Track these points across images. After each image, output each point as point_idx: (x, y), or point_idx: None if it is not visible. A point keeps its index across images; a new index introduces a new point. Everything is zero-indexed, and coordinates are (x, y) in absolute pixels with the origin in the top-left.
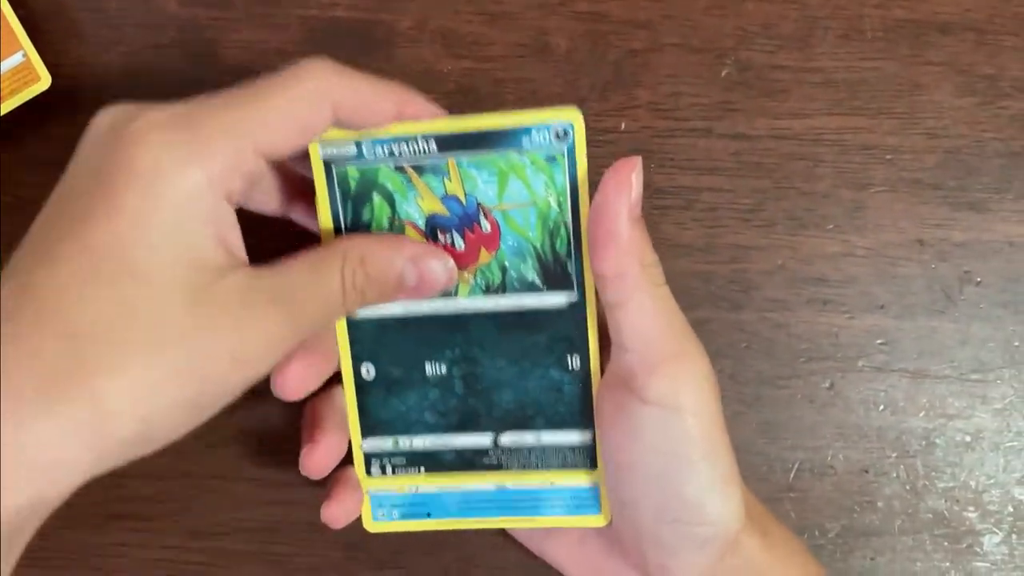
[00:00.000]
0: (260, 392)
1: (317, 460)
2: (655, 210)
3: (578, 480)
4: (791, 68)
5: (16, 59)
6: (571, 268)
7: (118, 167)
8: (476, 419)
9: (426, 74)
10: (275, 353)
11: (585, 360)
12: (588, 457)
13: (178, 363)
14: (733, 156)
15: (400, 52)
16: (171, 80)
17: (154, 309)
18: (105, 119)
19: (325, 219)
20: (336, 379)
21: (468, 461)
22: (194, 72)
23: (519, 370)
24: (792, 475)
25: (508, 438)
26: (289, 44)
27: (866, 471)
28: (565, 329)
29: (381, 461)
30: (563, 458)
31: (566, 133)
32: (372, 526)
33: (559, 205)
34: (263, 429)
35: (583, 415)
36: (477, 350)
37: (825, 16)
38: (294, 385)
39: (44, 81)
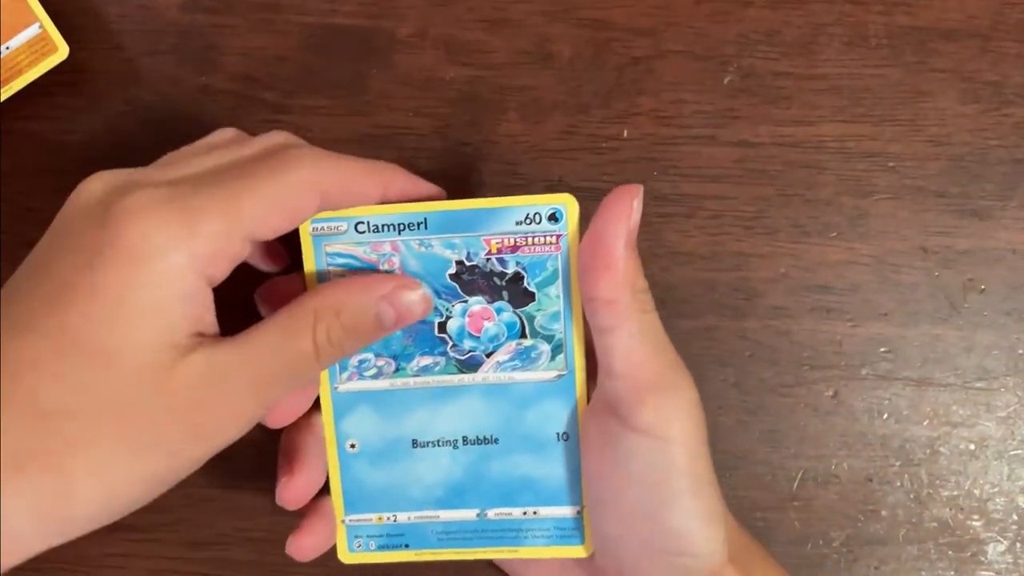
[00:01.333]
0: None
1: (295, 492)
2: (658, 218)
3: (561, 512)
4: (794, 75)
5: (32, 31)
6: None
7: (105, 244)
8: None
9: (427, 81)
10: (240, 424)
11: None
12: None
13: (142, 442)
14: (736, 163)
15: (401, 59)
16: (170, 88)
17: (122, 390)
18: (96, 187)
19: None
20: (316, 406)
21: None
22: (193, 79)
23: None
24: (796, 484)
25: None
26: (289, 51)
27: (870, 480)
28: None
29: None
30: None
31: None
32: (347, 557)
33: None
34: (264, 439)
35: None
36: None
37: (829, 23)
38: (282, 416)
39: (62, 51)
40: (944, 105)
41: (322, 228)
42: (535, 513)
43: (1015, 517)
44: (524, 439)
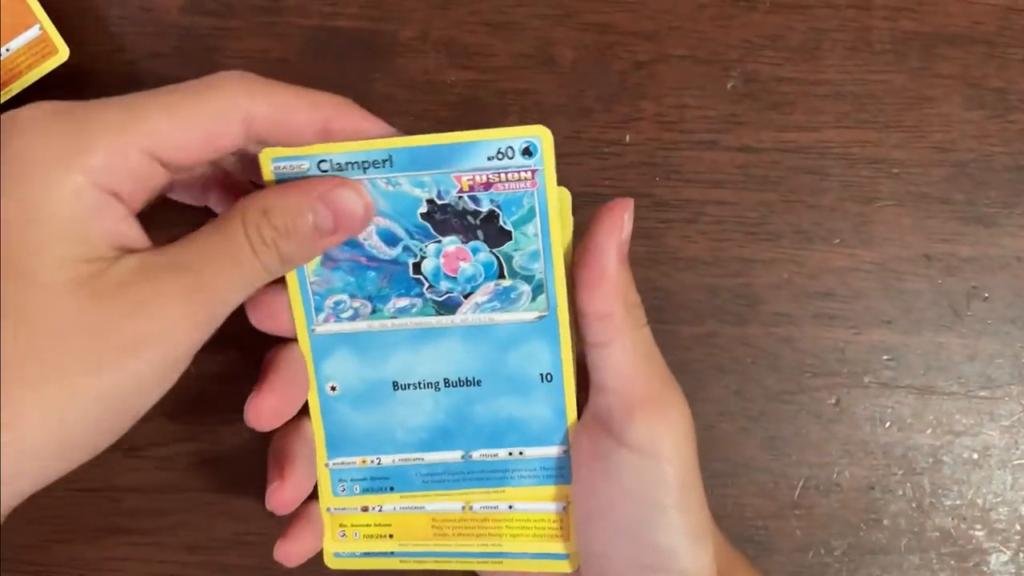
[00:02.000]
0: None
1: (284, 498)
2: (660, 223)
3: (547, 452)
4: (798, 80)
5: (32, 33)
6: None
7: (2, 164)
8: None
9: (429, 85)
10: (187, 327)
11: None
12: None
13: (77, 356)
14: (739, 169)
15: (402, 62)
16: None
17: (46, 309)
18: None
19: None
20: (305, 410)
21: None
22: None
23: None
24: (798, 492)
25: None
26: (290, 54)
27: (872, 488)
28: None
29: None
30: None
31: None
32: (332, 501)
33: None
34: (261, 443)
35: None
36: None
37: (833, 28)
38: (268, 416)
39: (62, 53)
40: (949, 111)
41: (284, 167)
42: (520, 453)
43: (1018, 527)
44: (507, 380)
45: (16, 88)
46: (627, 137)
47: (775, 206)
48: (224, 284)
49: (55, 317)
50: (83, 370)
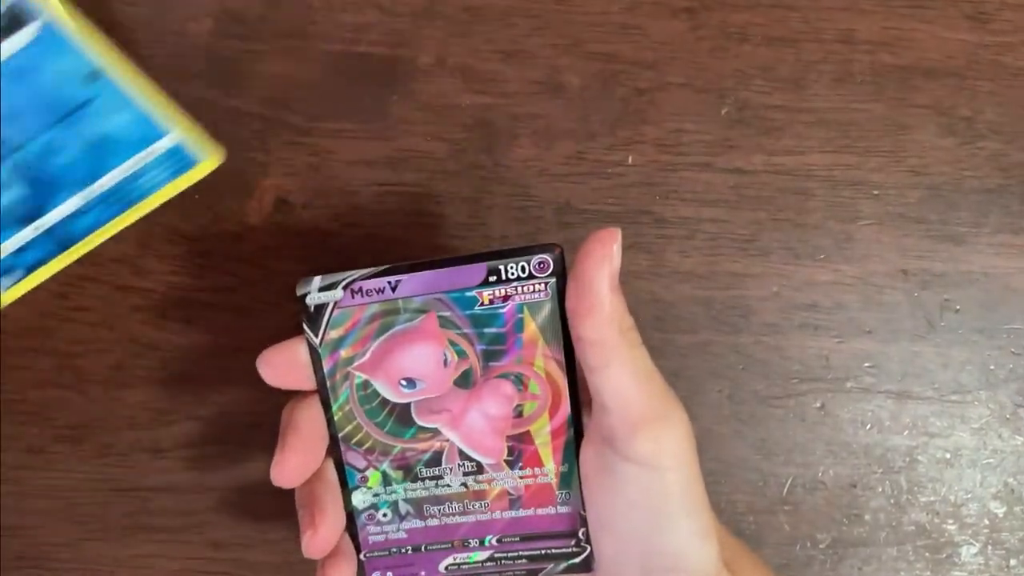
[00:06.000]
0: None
1: (319, 545)
2: (659, 239)
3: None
4: (786, 108)
5: None
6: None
7: None
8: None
9: (444, 108)
10: None
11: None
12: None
13: None
14: (732, 189)
15: (420, 87)
16: (201, 109)
17: None
18: None
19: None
20: (327, 454)
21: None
22: (223, 101)
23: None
24: (786, 489)
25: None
26: (315, 77)
27: (854, 486)
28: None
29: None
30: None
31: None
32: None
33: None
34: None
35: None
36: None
37: (819, 60)
38: (293, 475)
39: None
40: (923, 138)
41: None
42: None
43: (986, 521)
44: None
45: None
46: (629, 159)
47: (765, 224)
48: None
49: None
50: None
